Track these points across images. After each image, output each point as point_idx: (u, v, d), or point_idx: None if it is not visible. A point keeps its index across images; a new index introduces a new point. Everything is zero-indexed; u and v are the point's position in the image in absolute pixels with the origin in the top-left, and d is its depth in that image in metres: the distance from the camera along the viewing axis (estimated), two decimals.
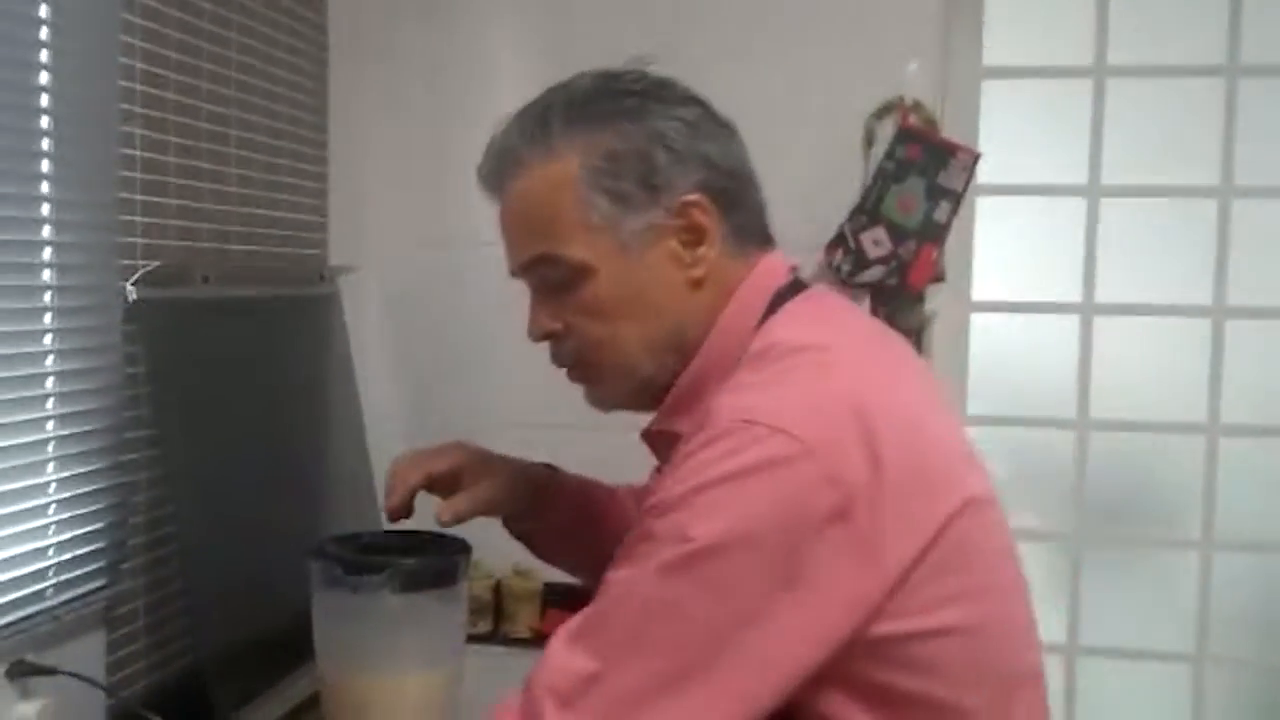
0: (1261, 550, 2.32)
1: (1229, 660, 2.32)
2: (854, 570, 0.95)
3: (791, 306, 1.13)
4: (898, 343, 1.20)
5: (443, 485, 1.29)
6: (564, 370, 1.20)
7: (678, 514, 0.96)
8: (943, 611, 0.99)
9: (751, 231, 1.16)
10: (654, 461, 1.24)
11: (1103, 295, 2.26)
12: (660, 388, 1.15)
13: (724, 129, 1.16)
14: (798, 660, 0.95)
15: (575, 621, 1.01)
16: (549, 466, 1.40)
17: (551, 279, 1.14)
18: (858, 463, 0.96)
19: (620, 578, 0.99)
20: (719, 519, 0.94)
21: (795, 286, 1.15)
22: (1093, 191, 2.25)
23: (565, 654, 0.99)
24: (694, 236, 1.12)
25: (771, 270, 1.16)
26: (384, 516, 1.27)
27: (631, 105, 1.12)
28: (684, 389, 1.14)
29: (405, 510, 1.26)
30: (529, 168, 1.13)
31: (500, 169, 1.15)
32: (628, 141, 1.11)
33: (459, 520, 1.25)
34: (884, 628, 0.97)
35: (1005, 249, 2.29)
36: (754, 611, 0.94)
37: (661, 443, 1.17)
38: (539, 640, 2.15)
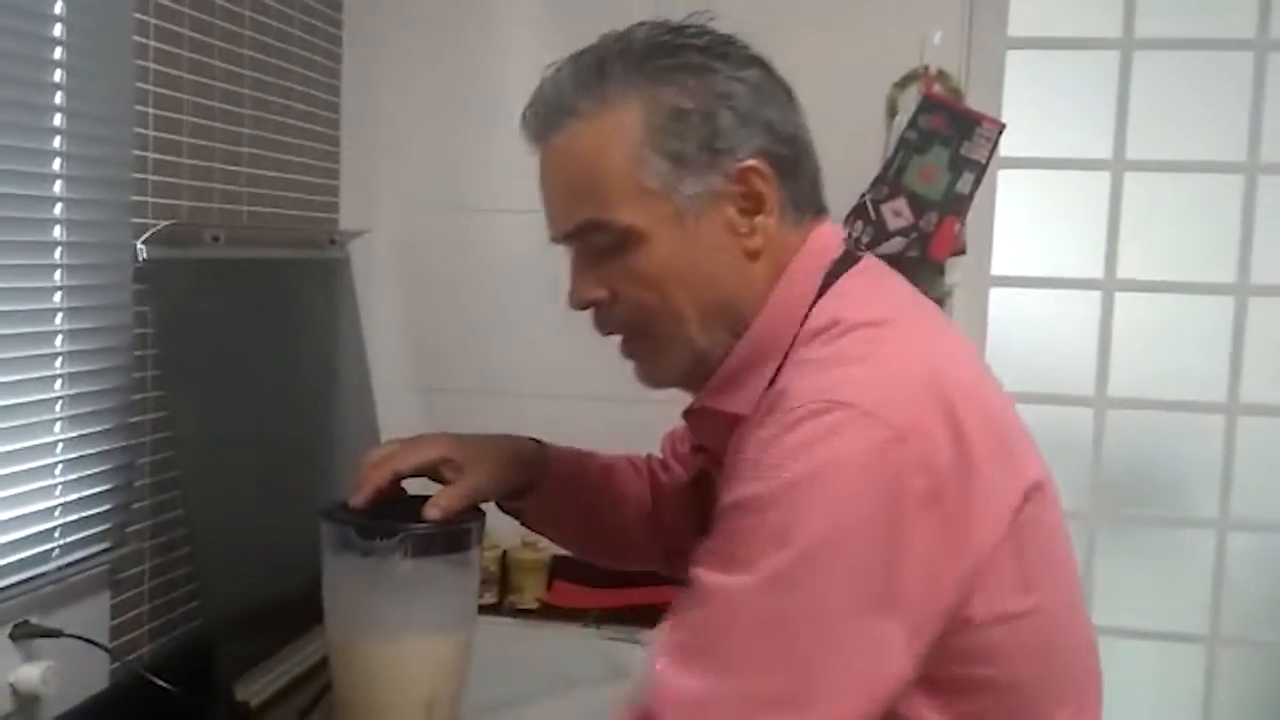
0: (1278, 531, 2.31)
1: (1243, 641, 2.31)
2: (950, 556, 0.93)
3: (848, 281, 1.08)
4: (944, 315, 1.18)
5: (426, 474, 1.26)
6: (588, 339, 1.15)
7: (775, 513, 0.91)
8: (1020, 595, 0.97)
9: (807, 200, 1.11)
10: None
11: (1124, 271, 2.23)
12: (713, 363, 1.09)
13: (784, 93, 1.10)
14: (912, 653, 0.92)
15: (680, 637, 0.95)
16: (537, 441, 1.37)
17: (598, 245, 1.08)
18: (944, 444, 0.93)
19: (721, 586, 0.93)
20: (820, 518, 0.90)
21: (847, 259, 1.10)
22: (1117, 166, 2.22)
23: (678, 675, 0.93)
24: (752, 204, 1.07)
25: (825, 242, 1.11)
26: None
27: (696, 62, 1.06)
28: (735, 366, 1.08)
29: (375, 513, 1.22)
30: (582, 119, 1.06)
31: (549, 118, 1.08)
32: (693, 100, 1.05)
33: (447, 515, 1.21)
34: (969, 613, 0.94)
35: (1026, 223, 2.27)
36: (865, 610, 0.91)
37: (706, 422, 1.13)
38: (545, 612, 2.14)
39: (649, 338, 1.10)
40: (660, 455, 1.46)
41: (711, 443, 1.17)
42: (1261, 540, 2.32)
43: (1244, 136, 2.18)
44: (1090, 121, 2.22)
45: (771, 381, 1.04)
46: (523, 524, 1.39)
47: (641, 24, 1.09)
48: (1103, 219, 2.23)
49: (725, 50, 1.08)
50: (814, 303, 1.06)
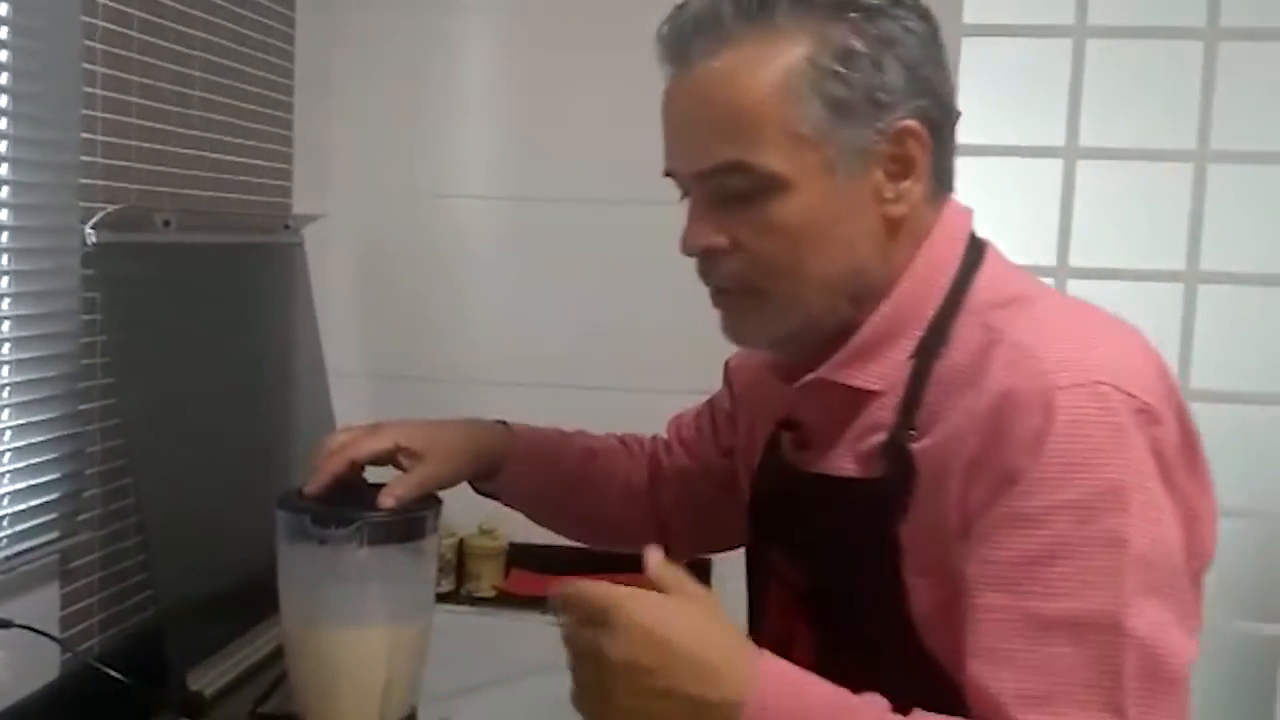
0: (1229, 515, 2.34)
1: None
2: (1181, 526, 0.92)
3: (995, 258, 1.05)
4: None
5: (382, 462, 1.24)
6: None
7: (1106, 518, 0.87)
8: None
9: (947, 174, 1.05)
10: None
11: (1076, 259, 2.25)
12: (819, 331, 1.03)
13: (945, 55, 1.03)
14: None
15: (1072, 695, 0.86)
16: (503, 424, 1.36)
17: (732, 188, 0.98)
18: (1171, 419, 0.92)
19: (1079, 613, 0.87)
20: (1143, 518, 0.87)
21: (978, 239, 1.07)
22: (1069, 154, 2.24)
23: None
24: (900, 169, 0.99)
25: (962, 219, 1.06)
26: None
27: (869, 2, 0.97)
28: (870, 338, 1.01)
29: (332, 500, 1.21)
30: (740, 48, 0.96)
31: (699, 41, 0.97)
32: (864, 42, 0.96)
33: (401, 503, 1.20)
34: None
35: (980, 210, 2.28)
36: (1189, 595, 0.92)
37: (820, 395, 1.05)
38: (502, 600, 2.14)
39: (759, 294, 1.02)
40: (665, 437, 1.44)
41: (815, 417, 1.09)
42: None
43: (1194, 125, 2.21)
44: (1043, 109, 2.24)
45: (917, 355, 1.00)
46: (506, 504, 1.38)
47: None
48: (1056, 206, 2.25)
49: None
50: (956, 279, 1.02)
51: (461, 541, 2.19)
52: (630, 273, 2.17)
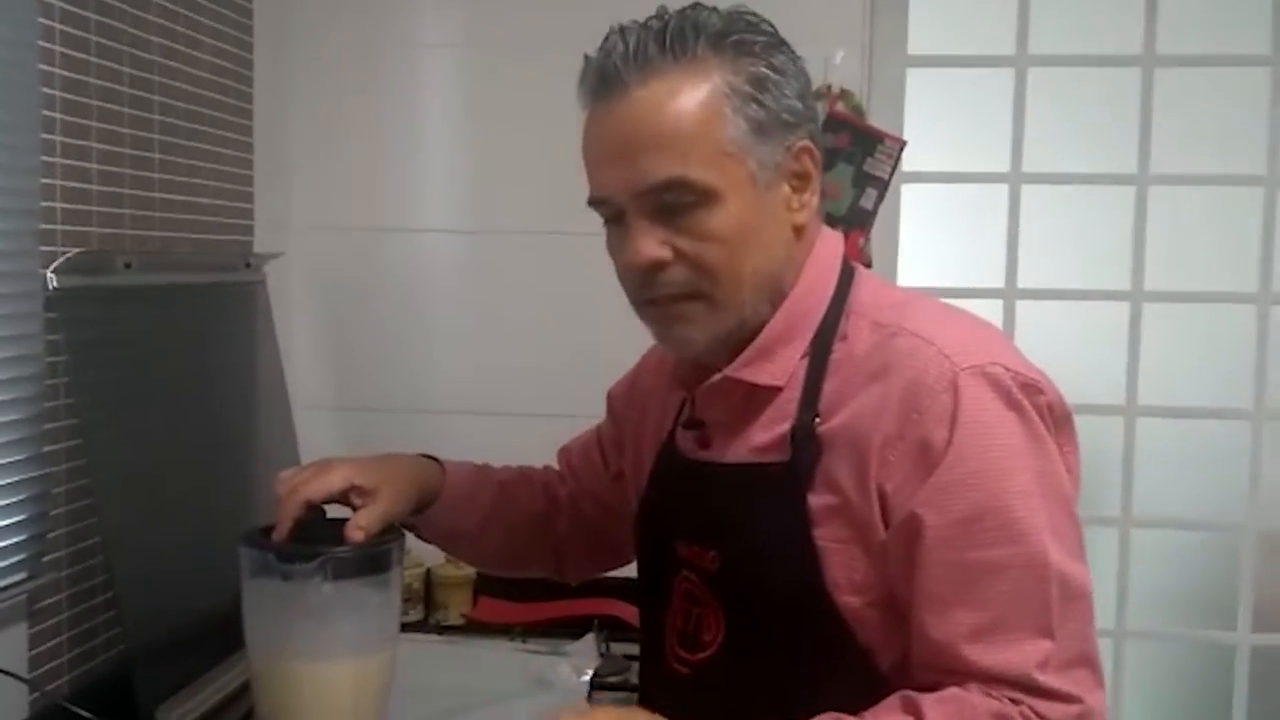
0: (1183, 529, 2.40)
1: (1148, 635, 2.39)
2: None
3: (866, 271, 1.22)
4: None
5: (335, 501, 1.27)
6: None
7: (1018, 476, 1.05)
8: None
9: (822, 192, 1.20)
10: None
11: (1025, 280, 2.30)
12: (747, 334, 1.15)
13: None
14: None
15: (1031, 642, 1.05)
16: (434, 459, 1.41)
17: (670, 203, 1.09)
18: (1050, 389, 1.11)
19: (1009, 557, 1.04)
20: (1043, 470, 1.07)
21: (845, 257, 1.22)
22: (1014, 179, 2.29)
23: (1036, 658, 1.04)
24: (800, 183, 1.15)
25: (836, 237, 1.22)
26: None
27: (767, 42, 1.13)
28: (770, 338, 1.15)
29: (294, 538, 1.24)
30: (666, 76, 1.08)
31: (627, 71, 1.09)
32: (773, 71, 1.11)
33: (370, 537, 1.23)
34: None
35: (930, 236, 2.33)
36: (1077, 527, 1.11)
37: (722, 394, 1.18)
38: (471, 628, 2.15)
39: (703, 300, 1.12)
40: (556, 468, 1.52)
41: (716, 416, 1.21)
42: (1163, 536, 2.41)
43: (1134, 149, 2.27)
44: (988, 136, 2.29)
45: (810, 355, 1.15)
46: (419, 537, 1.41)
47: (699, 6, 1.13)
48: (1003, 230, 2.30)
49: (782, 38, 1.15)
50: (837, 289, 1.17)
51: (429, 571, 2.21)
52: (587, 302, 2.18)
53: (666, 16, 1.11)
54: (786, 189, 1.14)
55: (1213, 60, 2.30)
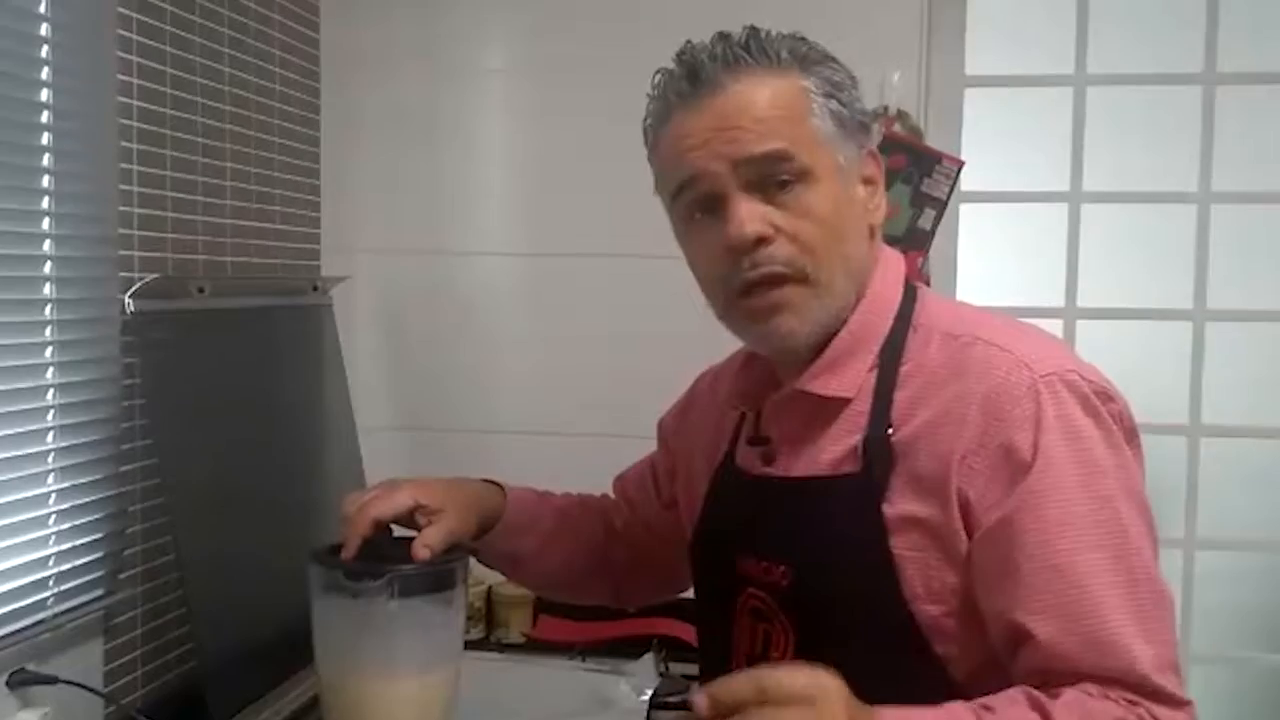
0: (1244, 549, 2.36)
1: (1213, 659, 2.36)
2: None
3: (927, 289, 1.23)
4: None
5: (401, 522, 1.29)
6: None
7: (1101, 480, 1.06)
8: None
9: None
10: None
11: (1085, 300, 2.29)
12: (832, 333, 1.16)
13: None
14: None
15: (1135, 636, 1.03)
16: (495, 483, 1.43)
17: (775, 176, 1.11)
18: (1120, 398, 1.13)
19: (1103, 561, 1.04)
20: (1124, 474, 1.08)
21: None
22: (1074, 198, 2.28)
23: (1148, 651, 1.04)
24: (872, 188, 1.18)
25: (898, 255, 1.23)
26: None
27: (828, 55, 1.18)
28: (835, 355, 1.16)
29: (362, 556, 1.25)
30: (757, 75, 1.12)
31: (717, 68, 1.12)
32: (842, 77, 1.17)
33: (435, 555, 1.24)
34: None
35: (989, 255, 2.32)
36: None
37: (790, 408, 1.19)
38: (531, 646, 2.17)
39: (805, 283, 1.13)
40: (612, 497, 1.53)
41: (784, 430, 1.21)
42: (1227, 557, 2.37)
43: (1196, 167, 2.25)
44: (1047, 155, 2.28)
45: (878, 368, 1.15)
46: (479, 560, 1.43)
47: (755, 28, 1.17)
48: (1062, 249, 2.29)
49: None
50: (901, 306, 1.18)
51: (490, 589, 2.23)
52: (647, 324, 2.22)
53: (736, 34, 1.15)
54: (862, 190, 1.17)
55: (1275, 78, 2.27)
